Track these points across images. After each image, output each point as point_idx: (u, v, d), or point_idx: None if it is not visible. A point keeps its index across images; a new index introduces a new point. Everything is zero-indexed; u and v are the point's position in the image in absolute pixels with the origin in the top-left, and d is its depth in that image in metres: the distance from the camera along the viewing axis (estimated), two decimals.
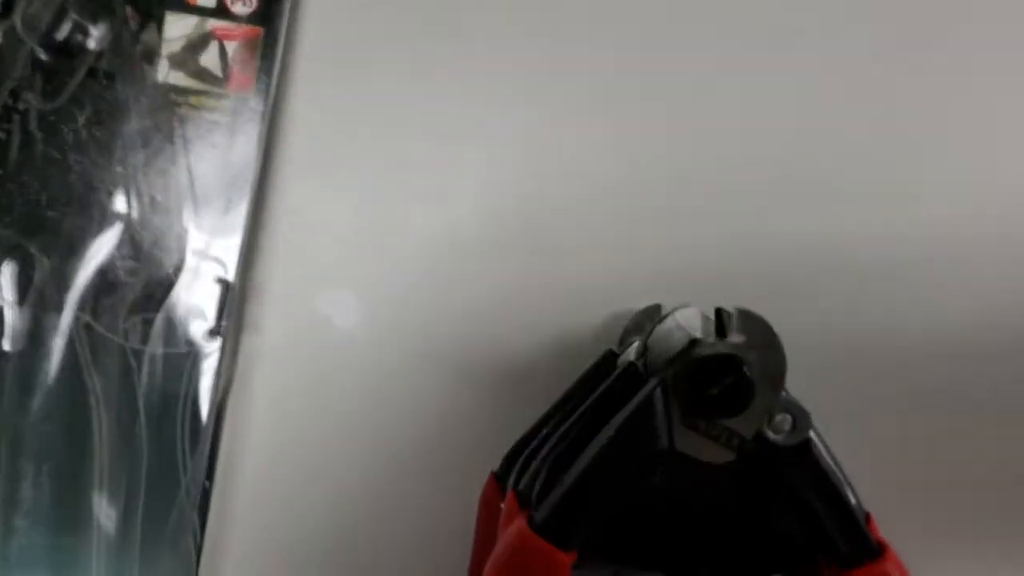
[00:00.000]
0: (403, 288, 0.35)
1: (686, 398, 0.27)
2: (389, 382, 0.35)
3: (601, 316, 0.35)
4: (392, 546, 0.35)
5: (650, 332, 0.30)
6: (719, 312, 0.31)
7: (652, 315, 0.34)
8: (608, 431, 0.27)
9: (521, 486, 0.31)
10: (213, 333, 0.34)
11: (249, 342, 0.35)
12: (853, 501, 0.28)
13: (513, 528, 0.28)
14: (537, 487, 0.30)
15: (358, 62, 0.36)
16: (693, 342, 0.28)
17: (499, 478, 0.33)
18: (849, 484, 0.30)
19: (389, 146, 0.36)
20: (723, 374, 0.27)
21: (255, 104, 0.35)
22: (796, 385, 0.27)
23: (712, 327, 0.30)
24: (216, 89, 0.35)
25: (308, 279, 0.35)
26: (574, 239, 0.36)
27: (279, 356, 0.35)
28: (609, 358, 0.34)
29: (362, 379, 0.35)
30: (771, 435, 0.27)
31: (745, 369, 0.27)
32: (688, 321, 0.29)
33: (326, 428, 0.35)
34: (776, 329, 0.28)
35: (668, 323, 0.29)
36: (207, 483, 0.34)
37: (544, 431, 0.33)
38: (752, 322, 0.28)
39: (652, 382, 0.27)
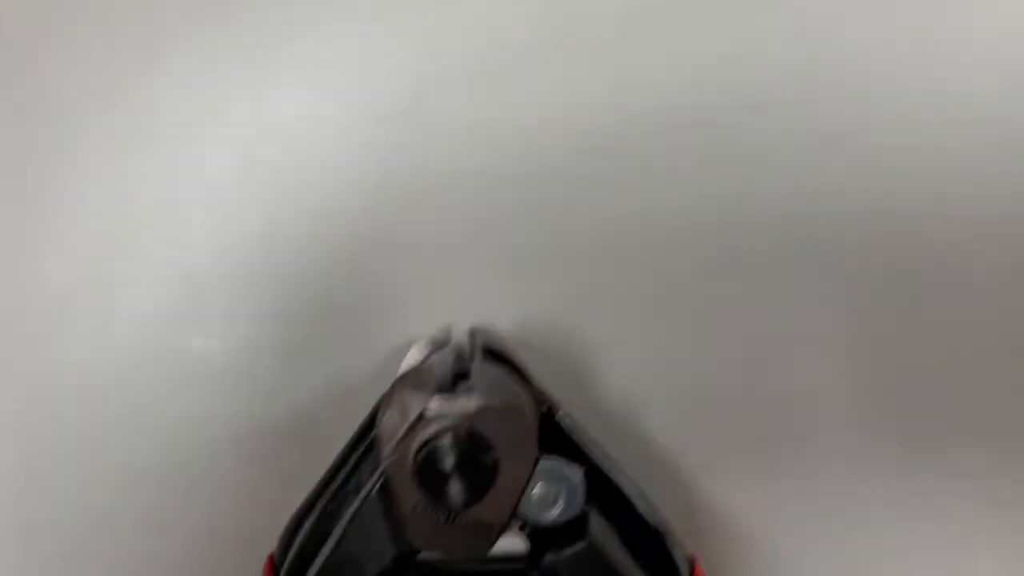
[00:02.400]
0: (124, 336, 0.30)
1: (414, 493, 0.21)
2: (118, 453, 0.31)
3: (384, 349, 0.30)
4: None
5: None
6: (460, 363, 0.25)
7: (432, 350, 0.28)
8: (326, 550, 0.22)
9: None
10: None
11: None
12: None
13: None
14: None
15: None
16: (419, 418, 0.22)
17: (277, 564, 0.28)
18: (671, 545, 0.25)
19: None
20: (452, 456, 0.21)
21: None
22: None
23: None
24: None
25: None
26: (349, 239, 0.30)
27: None
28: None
29: (90, 447, 0.31)
30: (532, 515, 0.22)
31: (476, 446, 0.21)
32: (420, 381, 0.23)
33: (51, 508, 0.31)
34: None
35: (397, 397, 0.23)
36: None
37: (318, 505, 0.28)
38: (489, 375, 0.22)
39: (372, 478, 0.22)
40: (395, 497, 0.21)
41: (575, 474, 0.22)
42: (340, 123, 0.30)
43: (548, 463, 0.22)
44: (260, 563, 0.27)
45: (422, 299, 0.30)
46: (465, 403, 0.21)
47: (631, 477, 0.26)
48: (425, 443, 0.21)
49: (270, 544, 0.27)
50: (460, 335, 0.29)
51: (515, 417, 0.21)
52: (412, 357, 0.28)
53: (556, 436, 0.25)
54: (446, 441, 0.21)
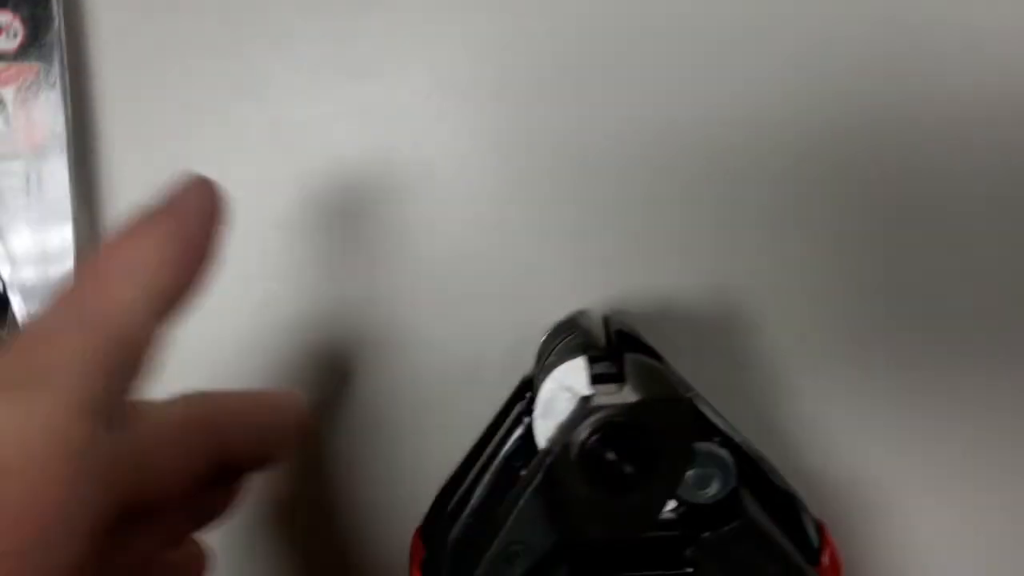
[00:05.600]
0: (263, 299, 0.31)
1: (580, 480, 0.23)
2: None
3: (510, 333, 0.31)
4: None
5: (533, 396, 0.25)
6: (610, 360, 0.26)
7: (568, 331, 0.29)
8: (496, 527, 0.24)
9: (427, 556, 0.28)
10: None
11: None
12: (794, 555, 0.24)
13: None
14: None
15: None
16: (582, 408, 0.23)
17: (425, 537, 0.30)
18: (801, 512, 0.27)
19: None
20: (619, 443, 0.23)
21: (53, 154, 0.29)
22: None
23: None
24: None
25: None
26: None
27: None
28: (523, 390, 0.29)
29: None
30: (690, 496, 0.23)
31: (640, 435, 0.22)
32: (571, 377, 0.24)
33: None
34: None
35: (549, 385, 0.24)
36: None
37: (466, 483, 0.29)
38: (642, 368, 0.23)
39: (537, 467, 0.23)
40: (560, 484, 0.23)
41: (727, 456, 0.23)
42: (458, 112, 0.31)
43: (702, 446, 0.23)
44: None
45: (542, 284, 0.31)
46: (628, 395, 0.23)
47: (758, 449, 0.27)
48: (592, 433, 0.22)
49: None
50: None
51: (674, 408, 0.22)
52: (546, 343, 0.29)
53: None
54: (611, 431, 0.22)
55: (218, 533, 0.22)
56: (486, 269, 0.31)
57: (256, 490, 0.30)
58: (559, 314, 0.31)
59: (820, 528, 0.27)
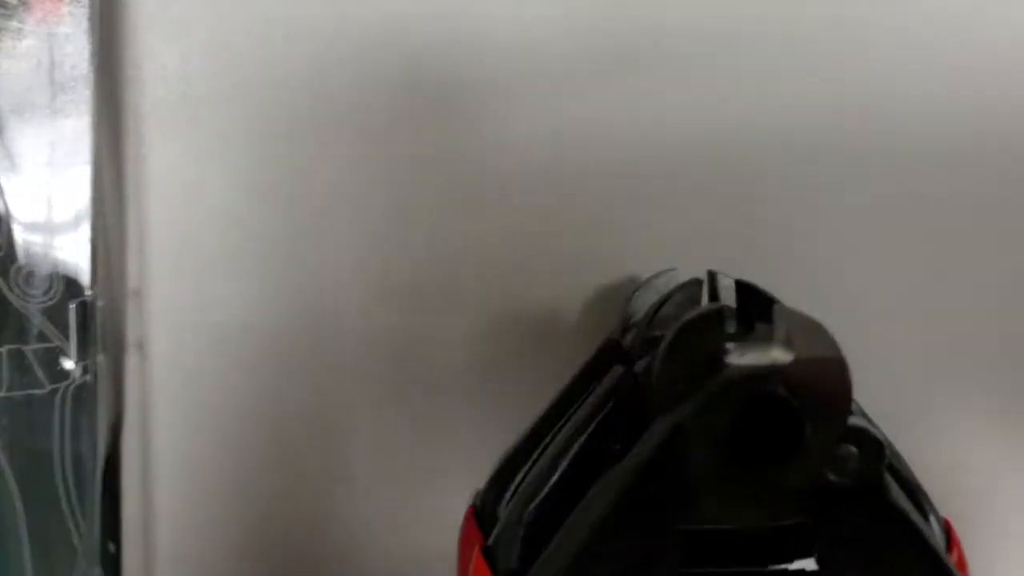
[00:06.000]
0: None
1: (713, 452, 0.19)
2: (330, 393, 0.28)
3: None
4: None
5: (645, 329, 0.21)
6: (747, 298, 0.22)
7: (666, 287, 0.25)
8: (600, 504, 0.20)
9: (491, 540, 0.24)
10: (81, 362, 0.26)
11: (134, 367, 0.27)
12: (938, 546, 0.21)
13: None
14: (513, 561, 0.23)
15: None
16: (717, 367, 0.19)
17: (479, 514, 0.26)
18: (928, 508, 0.23)
19: None
20: (763, 411, 0.19)
21: (74, 36, 0.24)
22: None
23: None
24: (13, 23, 0.25)
25: (195, 274, 0.27)
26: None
27: (177, 378, 0.27)
28: (609, 351, 0.25)
29: (293, 391, 0.27)
30: (831, 477, 0.20)
31: (794, 400, 0.19)
32: (703, 330, 0.20)
33: (254, 459, 0.28)
34: None
35: (674, 340, 0.20)
36: (112, 545, 0.27)
37: (535, 455, 0.25)
38: (797, 320, 0.19)
39: (661, 427, 0.19)
40: (685, 458, 0.19)
41: (879, 433, 0.20)
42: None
43: (855, 420, 0.20)
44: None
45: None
46: (777, 353, 0.19)
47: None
48: (730, 398, 0.19)
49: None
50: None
51: (834, 370, 0.19)
52: (646, 298, 0.25)
53: None
54: (755, 396, 0.19)
55: None
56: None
57: None
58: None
59: (947, 527, 0.24)
